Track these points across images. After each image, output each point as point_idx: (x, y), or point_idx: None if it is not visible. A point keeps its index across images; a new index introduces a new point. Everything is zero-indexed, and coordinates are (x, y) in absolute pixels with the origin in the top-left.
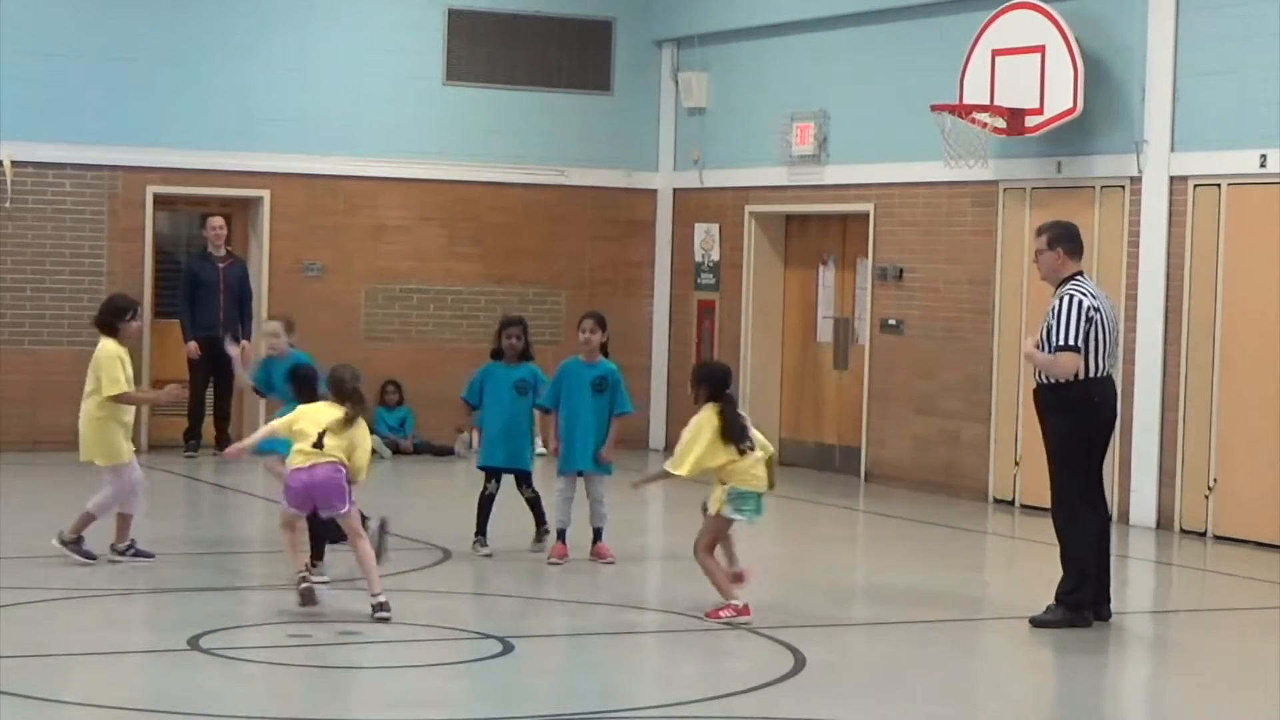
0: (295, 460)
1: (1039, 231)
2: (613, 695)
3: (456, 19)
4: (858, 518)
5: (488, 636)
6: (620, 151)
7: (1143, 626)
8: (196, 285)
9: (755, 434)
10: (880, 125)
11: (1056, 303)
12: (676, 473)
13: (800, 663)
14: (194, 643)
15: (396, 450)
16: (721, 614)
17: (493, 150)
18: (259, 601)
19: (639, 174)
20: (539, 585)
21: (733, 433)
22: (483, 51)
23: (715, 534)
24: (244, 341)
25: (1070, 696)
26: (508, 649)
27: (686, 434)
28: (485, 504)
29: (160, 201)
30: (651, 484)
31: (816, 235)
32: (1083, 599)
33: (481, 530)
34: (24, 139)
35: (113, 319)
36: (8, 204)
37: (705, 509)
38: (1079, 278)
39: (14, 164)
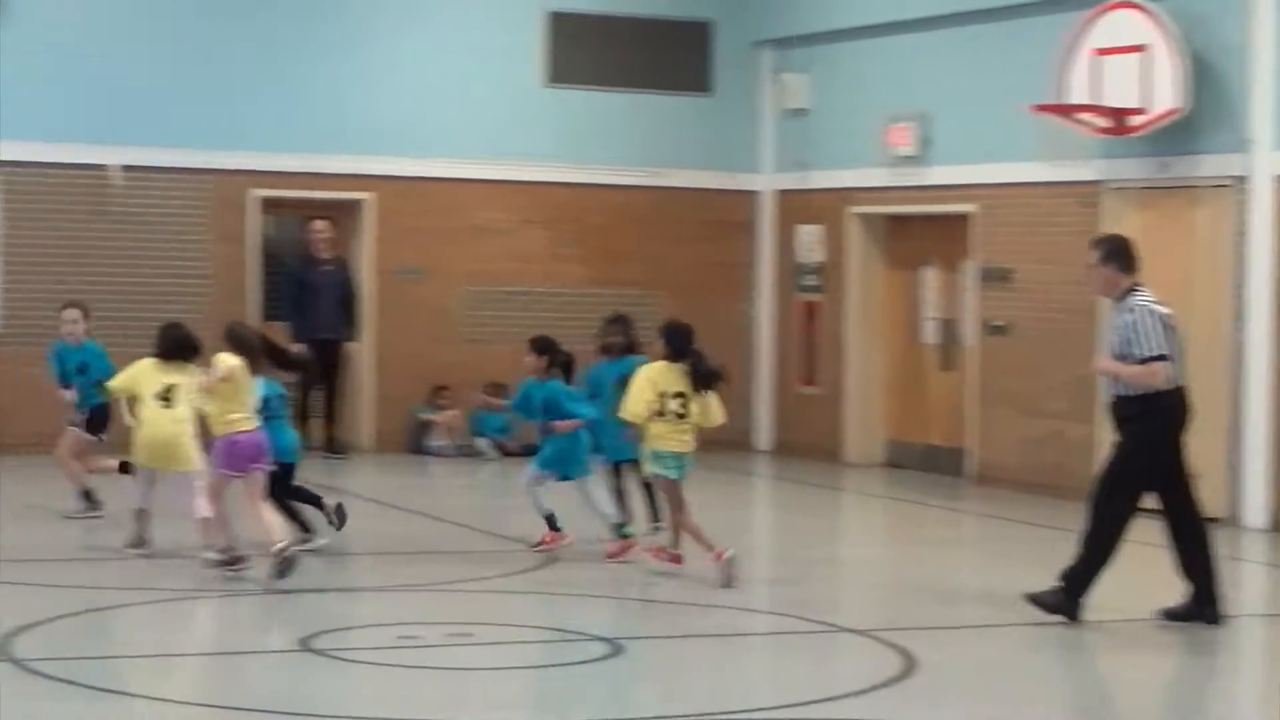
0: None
1: (1092, 245)
2: (721, 698)
3: (556, 21)
4: (965, 519)
5: (597, 638)
6: (719, 153)
7: (1255, 631)
8: (301, 289)
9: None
10: (982, 125)
11: (1130, 315)
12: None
13: (909, 665)
14: (305, 643)
15: (504, 452)
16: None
17: (592, 152)
18: (369, 603)
19: (739, 175)
20: (648, 587)
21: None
22: (582, 54)
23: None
24: (354, 343)
25: (1181, 701)
26: (617, 651)
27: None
28: (619, 496)
29: (265, 205)
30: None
31: (919, 236)
32: (1082, 588)
33: (626, 520)
34: (129, 144)
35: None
36: (117, 209)
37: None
38: (1140, 289)
39: (123, 169)
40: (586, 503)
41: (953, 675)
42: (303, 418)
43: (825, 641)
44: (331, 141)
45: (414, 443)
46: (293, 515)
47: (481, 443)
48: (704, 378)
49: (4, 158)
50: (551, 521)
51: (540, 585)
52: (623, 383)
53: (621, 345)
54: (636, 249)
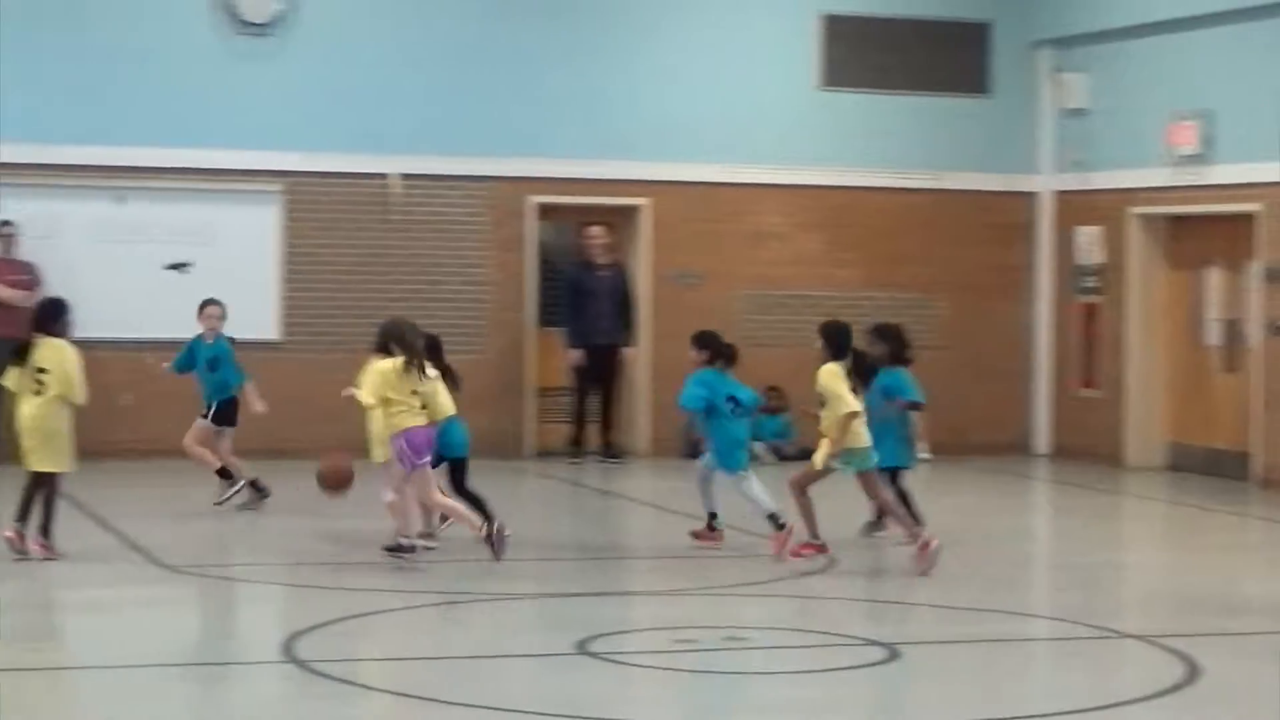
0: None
1: None
2: (998, 704)
3: (832, 24)
4: (1249, 524)
5: (873, 643)
6: (997, 154)
7: None
8: (578, 294)
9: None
10: (1267, 123)
11: None
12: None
13: (1192, 673)
14: (581, 647)
15: (781, 456)
16: (804, 552)
17: (869, 155)
18: (645, 606)
19: (1017, 177)
20: (925, 590)
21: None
22: (858, 56)
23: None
24: (630, 349)
25: None
26: (893, 655)
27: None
28: (902, 499)
29: (542, 211)
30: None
31: (1201, 236)
32: None
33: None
34: (409, 153)
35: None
36: (396, 216)
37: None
38: None
39: (402, 177)
40: (705, 488)
41: (1237, 684)
42: (579, 422)
43: (1105, 648)
44: (608, 147)
45: (690, 447)
46: (476, 503)
47: (757, 447)
48: (865, 375)
49: (285, 168)
50: (713, 519)
51: (815, 590)
52: (885, 393)
53: (884, 356)
54: (914, 252)
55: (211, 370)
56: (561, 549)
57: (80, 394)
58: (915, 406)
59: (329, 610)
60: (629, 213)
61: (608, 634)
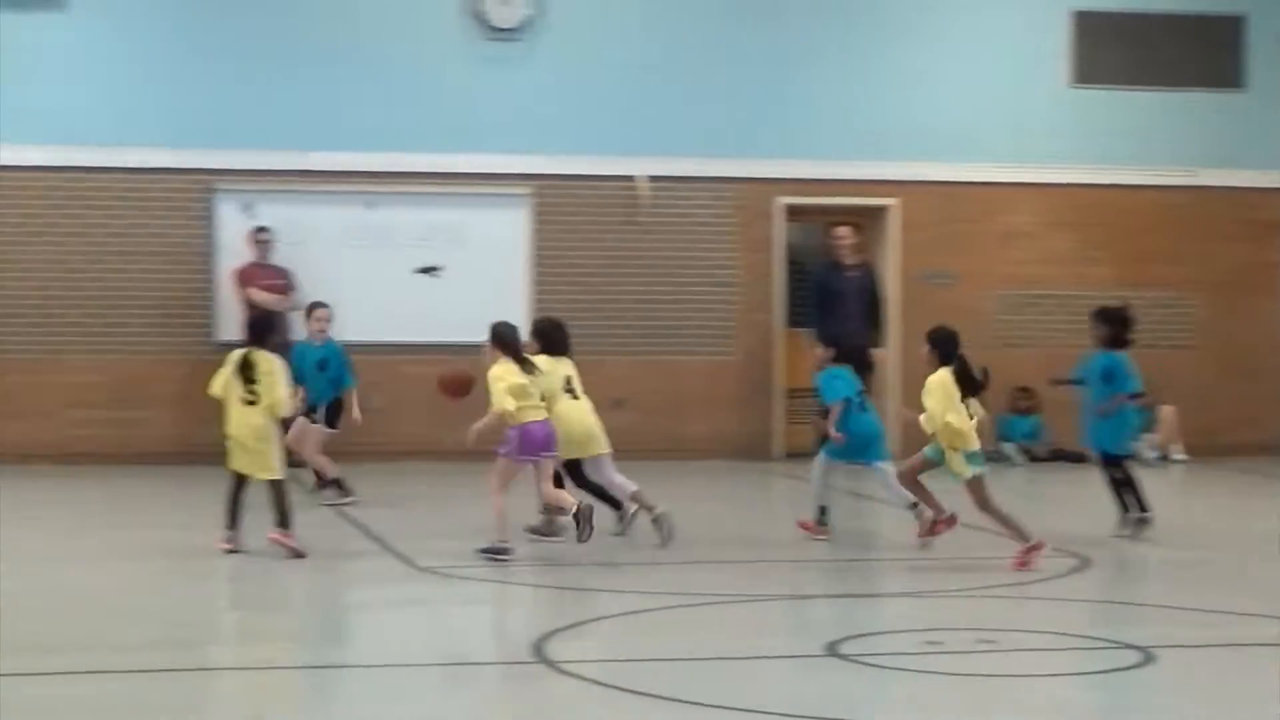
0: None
1: None
2: (1260, 711)
3: (1083, 21)
4: None
5: (1128, 646)
6: (1252, 150)
7: None
8: (826, 294)
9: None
10: None
11: None
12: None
13: None
14: (832, 649)
15: (1031, 457)
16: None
17: (1120, 152)
18: (895, 608)
19: (1274, 173)
20: (1179, 593)
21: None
22: (1109, 52)
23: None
24: (879, 349)
25: None
26: (1148, 659)
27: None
28: (1128, 484)
29: (790, 212)
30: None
31: None
32: None
33: (1126, 507)
34: (656, 154)
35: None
36: (644, 218)
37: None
38: None
39: (649, 179)
40: (821, 482)
41: None
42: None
43: None
44: (856, 147)
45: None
46: (603, 496)
47: (1008, 447)
48: (969, 382)
49: (534, 171)
50: (824, 514)
51: (1066, 591)
52: (1104, 377)
53: (1104, 338)
54: (1167, 249)
55: (321, 370)
56: (809, 550)
57: (286, 407)
58: (1135, 397)
59: (578, 611)
60: (877, 213)
61: (858, 636)
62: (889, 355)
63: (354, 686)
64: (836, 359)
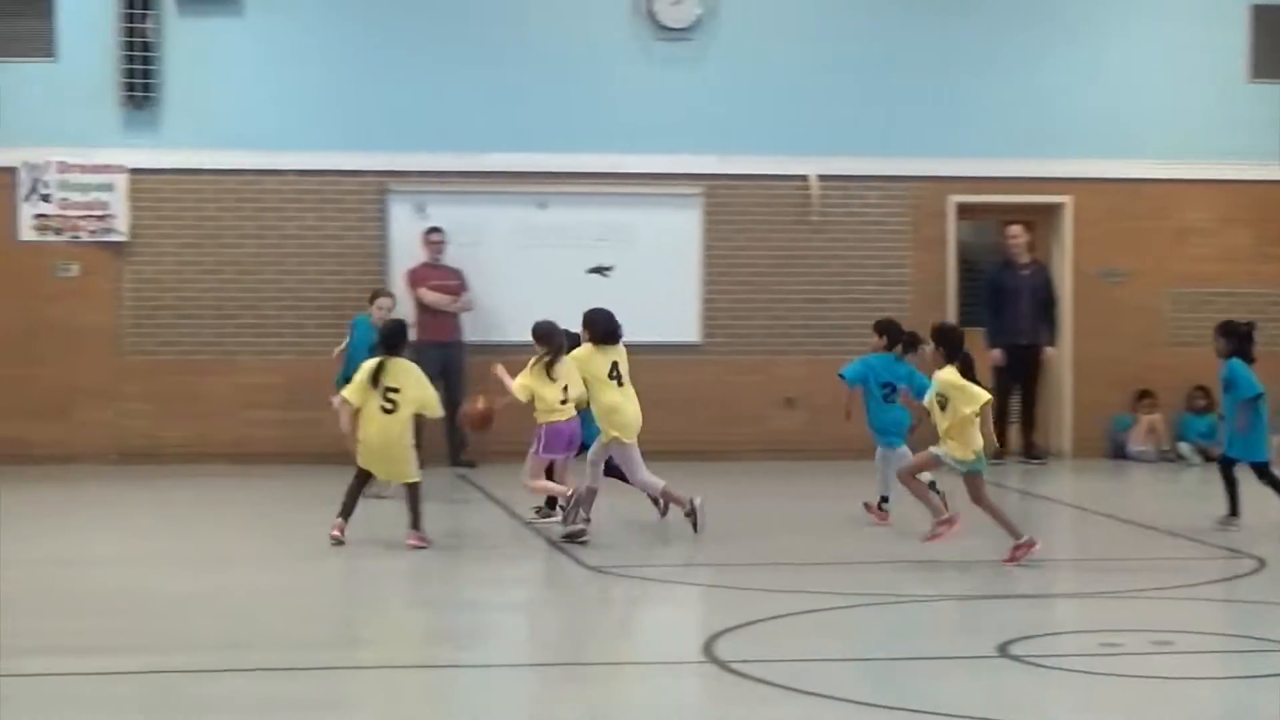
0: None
1: None
2: None
3: (1261, 15)
4: None
5: None
6: None
7: None
8: (998, 293)
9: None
10: None
11: None
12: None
13: None
14: (1004, 649)
15: (1207, 457)
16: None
17: None
18: (1069, 609)
19: None
20: None
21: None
22: None
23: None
24: (1052, 348)
25: None
26: None
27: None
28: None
29: (962, 211)
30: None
31: None
32: None
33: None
34: (827, 153)
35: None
36: (815, 217)
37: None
38: None
39: (820, 178)
40: (884, 470)
41: None
42: (1000, 423)
43: None
44: (1028, 145)
45: (1114, 448)
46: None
47: (1184, 447)
48: (974, 380)
49: (704, 171)
50: (884, 501)
51: (1243, 593)
52: (1225, 385)
53: (1227, 351)
54: None
55: (372, 354)
56: (980, 551)
57: (438, 408)
58: (1257, 398)
59: (747, 611)
60: (1050, 210)
61: (1030, 637)
62: (1062, 354)
63: (522, 685)
64: (1008, 358)
